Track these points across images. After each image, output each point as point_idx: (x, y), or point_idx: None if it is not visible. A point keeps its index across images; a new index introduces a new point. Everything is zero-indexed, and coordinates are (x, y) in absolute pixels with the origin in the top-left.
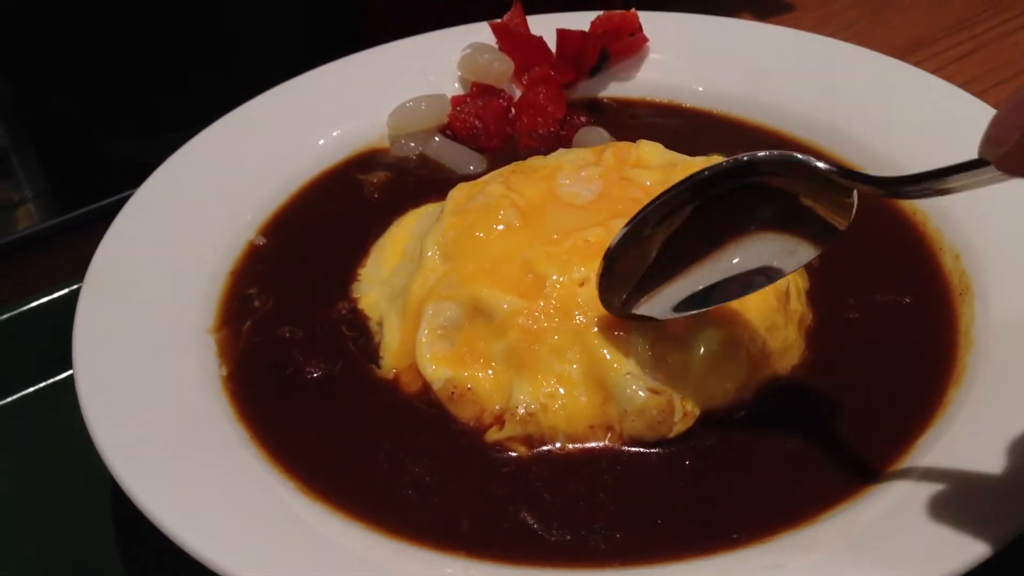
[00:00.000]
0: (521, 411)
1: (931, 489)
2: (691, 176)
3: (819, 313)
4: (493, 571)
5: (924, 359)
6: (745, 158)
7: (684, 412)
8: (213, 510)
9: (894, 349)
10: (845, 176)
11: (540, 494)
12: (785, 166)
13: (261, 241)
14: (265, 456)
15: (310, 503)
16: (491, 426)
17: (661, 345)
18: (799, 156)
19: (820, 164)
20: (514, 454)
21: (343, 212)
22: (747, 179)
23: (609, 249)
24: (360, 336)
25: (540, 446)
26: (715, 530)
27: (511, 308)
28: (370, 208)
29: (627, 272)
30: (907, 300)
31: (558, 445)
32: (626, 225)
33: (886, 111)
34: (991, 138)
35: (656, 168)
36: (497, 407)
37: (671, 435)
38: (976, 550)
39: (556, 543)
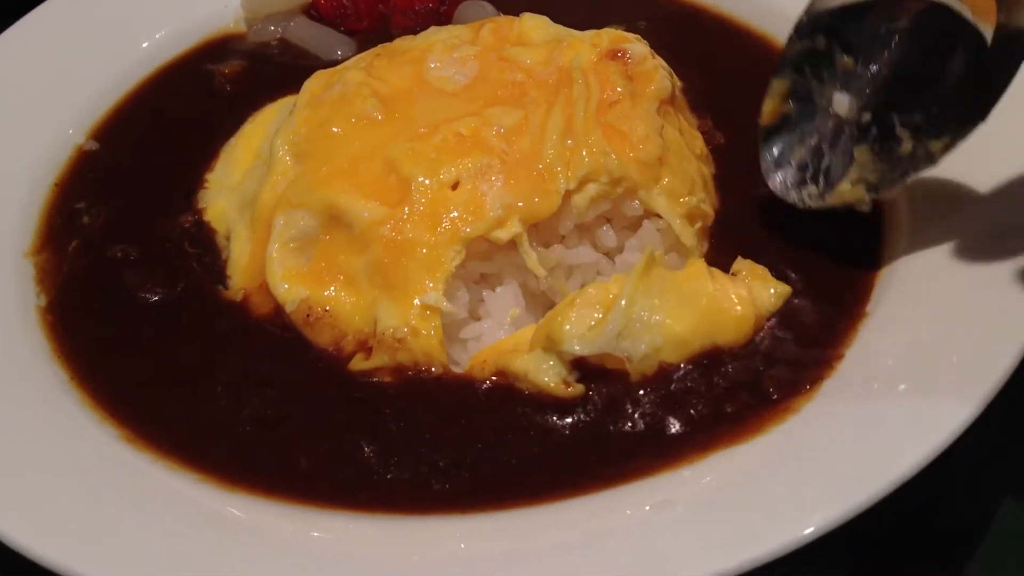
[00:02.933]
0: (389, 337)
1: (839, 416)
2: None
3: (726, 198)
4: (316, 519)
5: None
6: None
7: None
8: (16, 470)
9: (810, 235)
10: None
11: (386, 425)
12: None
13: (92, 146)
14: (86, 400)
15: (136, 454)
16: (353, 353)
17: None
18: None
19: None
20: (375, 380)
21: (190, 109)
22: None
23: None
24: (206, 253)
25: (413, 374)
26: (598, 465)
27: (372, 216)
28: (221, 103)
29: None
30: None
31: (433, 370)
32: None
33: None
34: None
35: (539, 45)
36: (359, 331)
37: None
38: (866, 491)
39: (393, 481)
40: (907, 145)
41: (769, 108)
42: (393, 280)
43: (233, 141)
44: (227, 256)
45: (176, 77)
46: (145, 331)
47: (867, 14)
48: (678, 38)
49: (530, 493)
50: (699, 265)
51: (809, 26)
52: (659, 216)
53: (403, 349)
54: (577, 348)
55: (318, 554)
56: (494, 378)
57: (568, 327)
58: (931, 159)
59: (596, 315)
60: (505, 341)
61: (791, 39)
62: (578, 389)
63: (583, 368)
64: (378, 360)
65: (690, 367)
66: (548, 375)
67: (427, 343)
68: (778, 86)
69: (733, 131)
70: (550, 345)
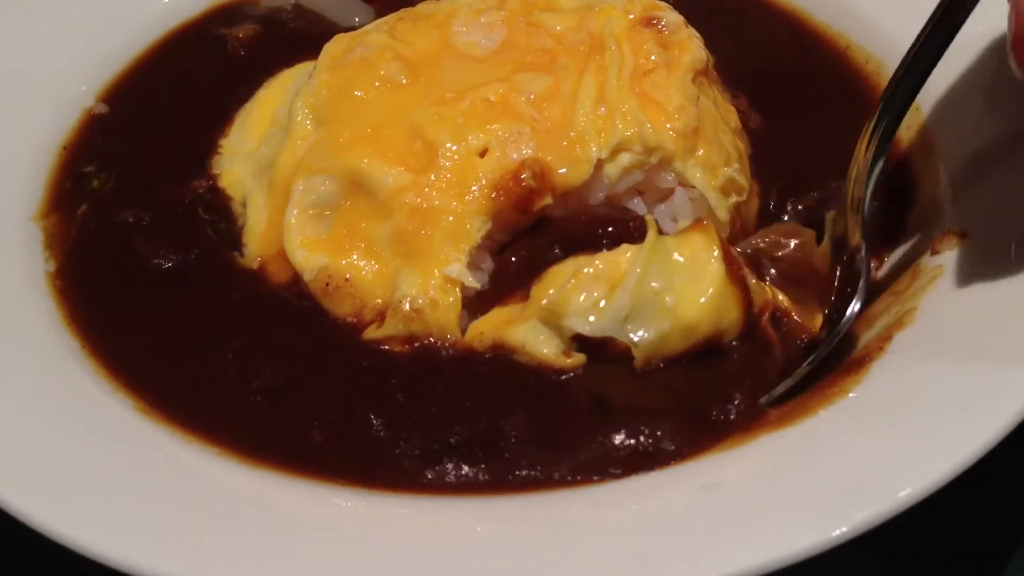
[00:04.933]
0: (406, 306)
1: (878, 409)
2: None
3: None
4: (331, 496)
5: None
6: None
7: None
8: (29, 441)
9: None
10: None
11: (396, 397)
12: None
13: (102, 109)
14: (98, 368)
15: (149, 424)
16: (372, 323)
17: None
18: None
19: None
20: (386, 348)
21: (203, 73)
22: None
23: None
24: (220, 220)
25: (421, 345)
26: (627, 450)
27: (396, 183)
28: (235, 68)
29: None
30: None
31: (446, 344)
32: None
33: None
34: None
35: (569, 11)
36: (380, 301)
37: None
38: (904, 489)
39: (401, 457)
40: None
41: None
42: (416, 249)
43: (248, 107)
44: (243, 223)
45: (188, 41)
46: (158, 298)
47: None
48: (708, 13)
49: (553, 477)
50: (708, 233)
51: None
52: (692, 186)
53: (418, 320)
54: (581, 327)
55: (332, 533)
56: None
57: (573, 303)
58: None
59: (602, 293)
60: (500, 311)
61: None
62: (579, 359)
63: (579, 339)
64: (390, 328)
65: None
66: (547, 346)
67: (444, 316)
68: None
69: (768, 115)
70: (551, 318)
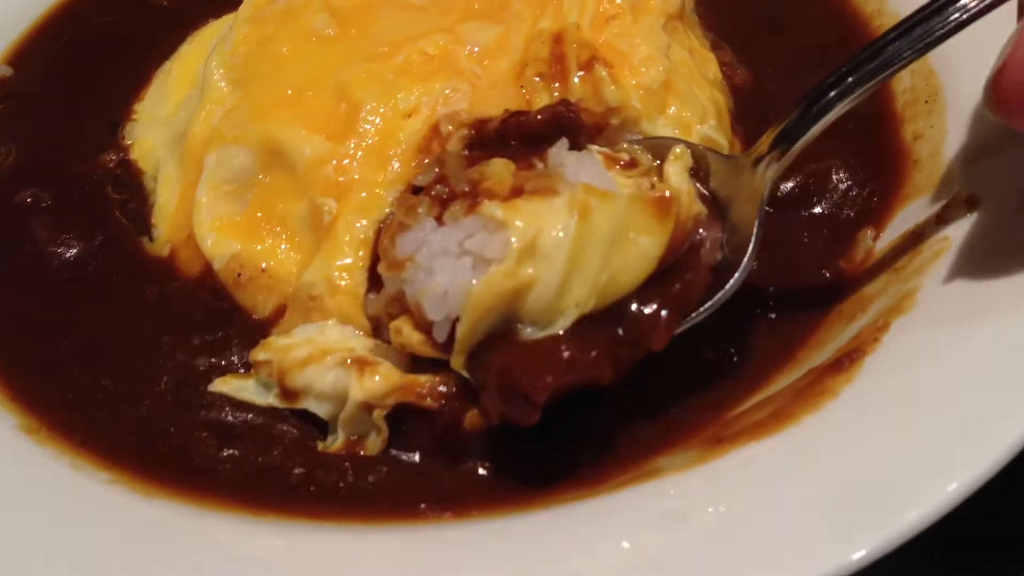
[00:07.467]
0: (303, 294)
1: (872, 415)
2: None
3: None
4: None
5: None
6: None
7: None
8: None
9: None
10: None
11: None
12: None
13: (6, 71)
14: None
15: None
16: None
17: None
18: None
19: None
20: None
21: (119, 27)
22: None
23: None
24: (131, 198)
25: None
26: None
27: (315, 153)
28: (157, 20)
29: None
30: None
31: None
32: None
33: None
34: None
35: None
36: None
37: None
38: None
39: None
40: None
41: None
42: (327, 228)
43: (168, 65)
44: (154, 201)
45: None
46: (55, 296)
47: None
48: None
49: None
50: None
51: None
52: None
53: (316, 309)
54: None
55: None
56: None
57: None
58: None
59: None
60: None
61: None
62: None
63: None
64: (290, 323)
65: None
66: None
67: (345, 301)
68: None
69: (756, 69)
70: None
